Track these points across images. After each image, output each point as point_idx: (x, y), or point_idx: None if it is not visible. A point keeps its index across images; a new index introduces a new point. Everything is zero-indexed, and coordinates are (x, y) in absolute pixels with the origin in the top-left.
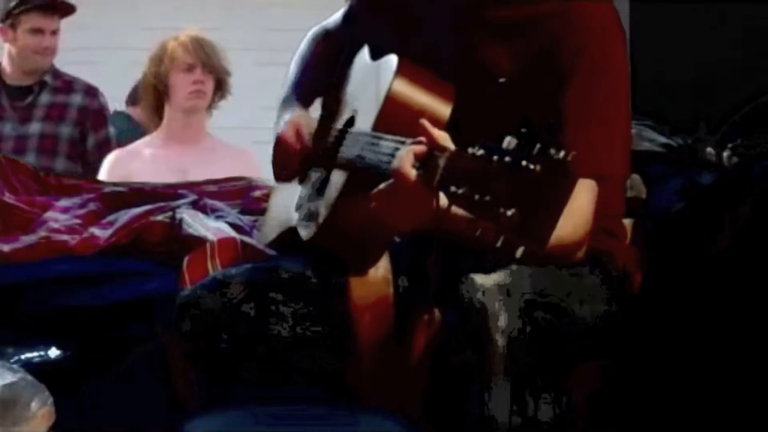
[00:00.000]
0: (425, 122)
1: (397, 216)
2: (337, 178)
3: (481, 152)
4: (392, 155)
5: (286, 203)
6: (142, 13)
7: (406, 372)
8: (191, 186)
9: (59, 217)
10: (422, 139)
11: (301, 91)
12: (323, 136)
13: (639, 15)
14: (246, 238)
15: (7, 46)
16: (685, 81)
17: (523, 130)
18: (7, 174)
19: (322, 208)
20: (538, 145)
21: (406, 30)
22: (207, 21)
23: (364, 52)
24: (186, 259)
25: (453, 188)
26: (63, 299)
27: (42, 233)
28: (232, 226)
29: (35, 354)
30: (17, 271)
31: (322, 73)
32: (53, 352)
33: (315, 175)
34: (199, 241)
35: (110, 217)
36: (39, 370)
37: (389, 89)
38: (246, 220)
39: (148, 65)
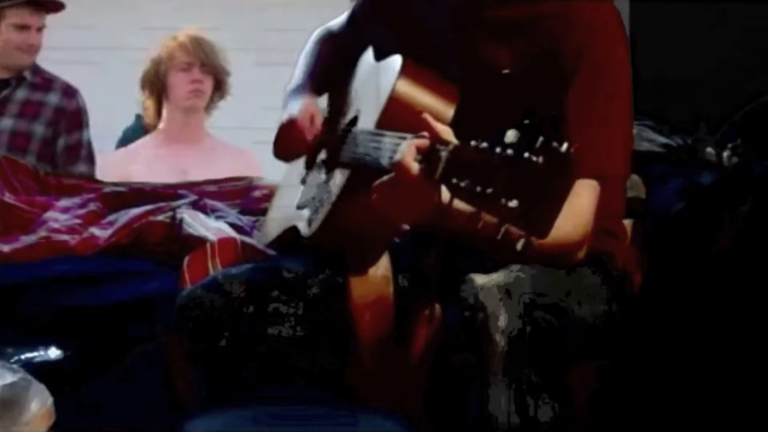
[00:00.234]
0: (428, 116)
1: (398, 209)
2: (339, 177)
3: (483, 145)
4: (394, 151)
5: (287, 203)
6: (142, 13)
7: (406, 371)
8: (191, 186)
9: (59, 217)
10: (425, 133)
11: (310, 83)
12: (327, 135)
13: (639, 15)
14: (246, 238)
15: None
16: (685, 81)
17: (526, 122)
18: (7, 174)
19: (323, 207)
20: (540, 138)
21: (409, 31)
22: (207, 21)
23: (369, 53)
24: (186, 259)
25: (455, 181)
26: (63, 299)
27: (42, 233)
28: (232, 226)
29: (35, 354)
30: (17, 271)
31: (327, 74)
32: (53, 352)
33: (316, 175)
34: (199, 241)
35: (110, 217)
36: (39, 370)
37: (393, 89)
38: (246, 220)
39: (147, 65)
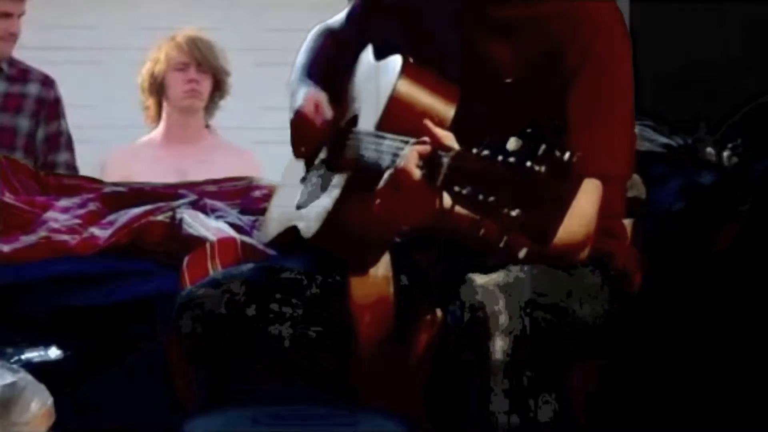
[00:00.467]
0: (428, 122)
1: (400, 213)
2: (339, 177)
3: (485, 152)
4: (395, 154)
5: (287, 203)
6: (143, 13)
7: (407, 372)
8: (191, 186)
9: (59, 217)
10: (426, 139)
11: (311, 74)
12: (327, 136)
13: (639, 15)
14: (246, 238)
15: None
16: (685, 81)
17: (528, 130)
18: (7, 174)
19: (324, 207)
20: (543, 146)
21: (410, 30)
22: (207, 21)
23: (368, 53)
24: (186, 259)
25: (457, 188)
26: (63, 299)
27: (42, 233)
28: (232, 226)
29: (35, 354)
30: (17, 271)
31: (326, 71)
32: (53, 352)
33: (317, 175)
34: (199, 241)
35: (110, 217)
36: (39, 370)
37: (393, 90)
38: (246, 220)
39: (146, 65)
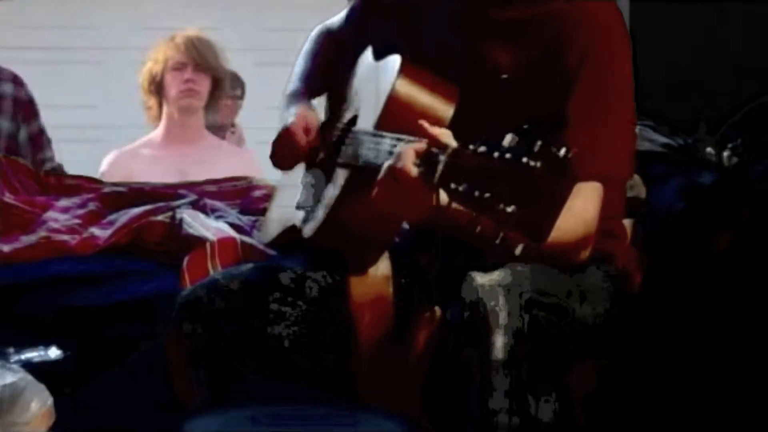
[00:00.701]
0: (425, 123)
1: (398, 210)
2: (338, 176)
3: (482, 149)
4: (393, 153)
5: (287, 203)
6: (143, 13)
7: (406, 371)
8: (191, 186)
9: (59, 217)
10: (423, 139)
11: (307, 86)
12: (326, 136)
13: (639, 15)
14: (246, 238)
15: None
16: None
17: (525, 127)
18: (7, 174)
19: (323, 207)
20: (539, 142)
21: (409, 30)
22: (207, 21)
23: (368, 53)
24: (186, 259)
25: (453, 185)
26: (63, 299)
27: (42, 233)
28: (232, 226)
29: (35, 354)
30: (17, 271)
31: (326, 72)
32: (53, 352)
33: (316, 175)
34: (199, 241)
35: (110, 217)
36: (39, 370)
37: (392, 89)
38: (246, 220)
39: (146, 65)
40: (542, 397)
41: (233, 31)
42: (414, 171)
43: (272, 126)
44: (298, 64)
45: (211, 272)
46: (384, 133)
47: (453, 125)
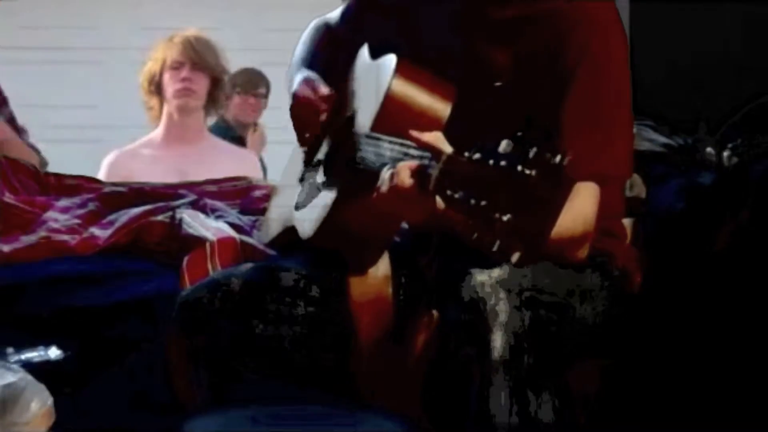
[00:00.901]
0: (414, 132)
1: (396, 212)
2: (337, 177)
3: (477, 156)
4: (393, 158)
5: (287, 203)
6: (143, 13)
7: (406, 371)
8: (191, 186)
9: (59, 217)
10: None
11: (309, 68)
12: (323, 136)
13: (639, 15)
14: (246, 238)
15: None
16: (685, 81)
17: (519, 134)
18: (7, 174)
19: (321, 208)
20: (534, 150)
21: (406, 29)
22: (207, 21)
23: (364, 51)
24: (186, 259)
25: (449, 192)
26: (63, 299)
27: (42, 233)
28: (232, 226)
29: (35, 354)
30: (17, 271)
31: (323, 64)
32: (53, 352)
33: (315, 175)
34: (199, 241)
35: (110, 217)
36: (39, 370)
37: (388, 89)
38: (246, 220)
39: (145, 66)
40: (542, 396)
41: (233, 31)
42: (409, 182)
43: (272, 126)
44: (297, 52)
45: (211, 272)
46: (382, 136)
47: (450, 126)
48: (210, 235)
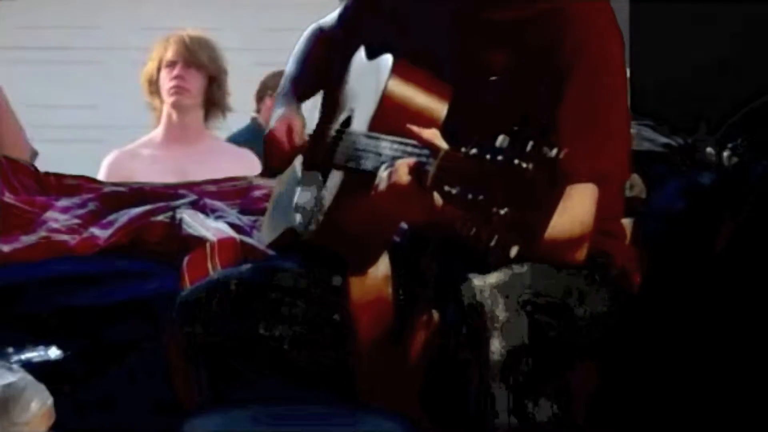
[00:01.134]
0: (412, 127)
1: (395, 211)
2: (335, 177)
3: (474, 151)
4: (391, 156)
5: (286, 203)
6: (143, 13)
7: (405, 372)
8: (191, 186)
9: (59, 217)
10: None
11: (298, 87)
12: (321, 136)
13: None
14: (246, 238)
15: None
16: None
17: (516, 128)
18: (7, 174)
19: (321, 207)
20: (530, 144)
21: (402, 30)
22: (207, 21)
23: (361, 52)
24: (186, 259)
25: (447, 188)
26: (63, 299)
27: (42, 233)
28: (232, 226)
29: (35, 354)
30: (17, 271)
31: (319, 71)
32: (53, 352)
33: (313, 175)
34: (199, 241)
35: (110, 217)
36: (39, 370)
37: (385, 89)
38: (246, 220)
39: (145, 67)
40: (541, 397)
41: (233, 31)
42: (406, 179)
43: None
44: (290, 65)
45: (211, 272)
46: (380, 135)
47: (446, 125)
48: (210, 236)
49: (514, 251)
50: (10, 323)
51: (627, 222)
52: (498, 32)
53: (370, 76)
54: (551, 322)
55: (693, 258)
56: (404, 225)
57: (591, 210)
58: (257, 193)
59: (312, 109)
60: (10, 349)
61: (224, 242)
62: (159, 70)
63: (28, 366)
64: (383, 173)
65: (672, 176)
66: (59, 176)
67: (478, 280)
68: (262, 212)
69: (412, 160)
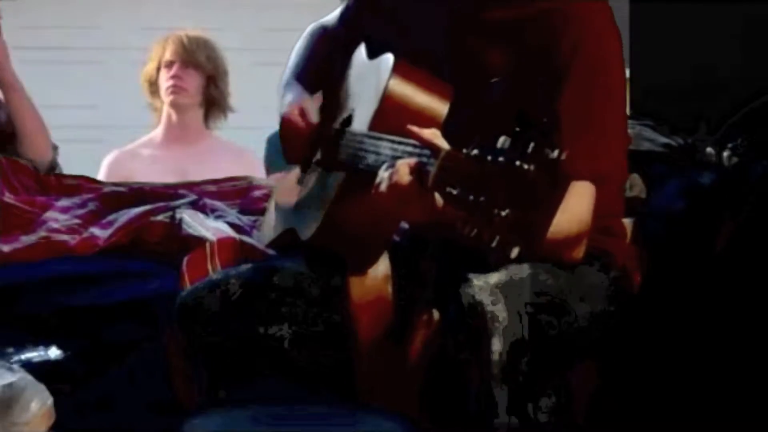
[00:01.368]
0: (413, 127)
1: (396, 211)
2: (335, 177)
3: (475, 152)
4: (392, 156)
5: (286, 203)
6: (143, 13)
7: (405, 371)
8: (191, 186)
9: (59, 217)
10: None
11: (300, 77)
12: (321, 136)
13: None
14: (246, 238)
15: None
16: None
17: (517, 129)
18: (7, 174)
19: (320, 208)
20: (532, 145)
21: (402, 30)
22: (207, 21)
23: (362, 52)
24: (186, 259)
25: (448, 188)
26: (63, 299)
27: (42, 233)
28: (232, 226)
29: (35, 354)
30: (17, 271)
31: (321, 69)
32: (53, 352)
33: (314, 175)
34: (199, 241)
35: (110, 217)
36: (39, 370)
37: (385, 88)
38: (246, 220)
39: (145, 66)
40: (541, 397)
41: (233, 31)
42: (407, 179)
43: (272, 126)
44: (292, 60)
45: (211, 272)
46: (380, 135)
47: (446, 125)
48: (210, 236)
49: (515, 252)
50: (10, 323)
51: (627, 222)
52: (497, 32)
53: (370, 76)
54: (551, 321)
55: (693, 258)
56: (404, 225)
57: (589, 208)
58: (257, 193)
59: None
60: (10, 349)
61: (224, 242)
62: (158, 70)
63: (28, 366)
64: (384, 173)
65: (672, 176)
66: (59, 176)
67: (478, 280)
68: (262, 212)
69: (413, 161)
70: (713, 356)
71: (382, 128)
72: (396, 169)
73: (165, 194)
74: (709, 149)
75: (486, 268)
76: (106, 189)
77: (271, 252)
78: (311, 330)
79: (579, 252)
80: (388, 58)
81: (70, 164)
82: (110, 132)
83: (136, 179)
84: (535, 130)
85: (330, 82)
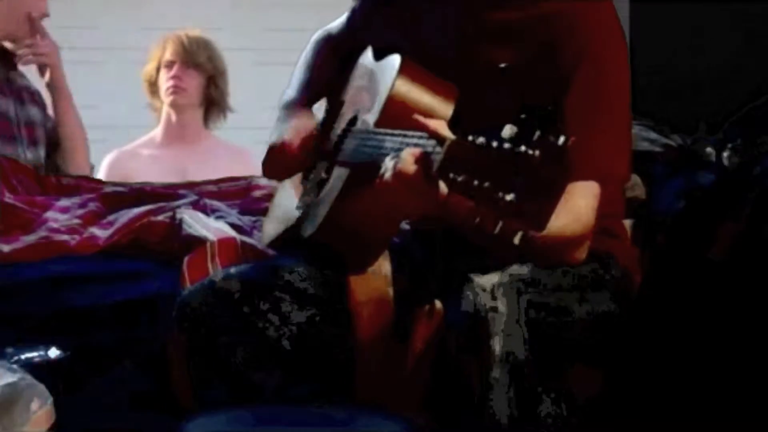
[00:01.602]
0: (419, 117)
1: (400, 204)
2: (338, 175)
3: (480, 140)
4: (395, 149)
5: (287, 203)
6: (143, 13)
7: (406, 371)
8: (191, 186)
9: (59, 217)
10: (423, 133)
11: (306, 95)
12: (326, 136)
13: (639, 15)
14: (246, 238)
15: None
16: (685, 81)
17: (523, 116)
18: (7, 174)
19: (323, 206)
20: (537, 132)
21: (408, 31)
22: (207, 21)
23: (368, 53)
24: (186, 259)
25: (452, 175)
26: (63, 299)
27: (42, 233)
28: (232, 226)
29: (35, 354)
30: (17, 271)
31: (326, 77)
32: (53, 352)
33: (316, 174)
34: (200, 241)
35: (110, 217)
36: (39, 370)
37: (391, 89)
38: (246, 220)
39: (145, 66)
40: (542, 397)
41: (233, 31)
42: (412, 168)
43: (272, 126)
44: (297, 72)
45: (211, 272)
46: (385, 131)
47: (451, 125)
48: (210, 236)
49: (518, 238)
50: (10, 323)
51: (627, 222)
52: (503, 33)
53: (376, 76)
54: (552, 321)
55: (693, 258)
56: (405, 226)
57: (592, 209)
58: (257, 193)
59: (317, 108)
60: (10, 349)
61: (225, 242)
62: (158, 70)
63: (28, 366)
64: (389, 163)
65: (672, 176)
66: (59, 176)
67: (480, 280)
68: (262, 212)
69: (417, 150)
70: (713, 356)
71: (387, 127)
72: (401, 158)
73: (165, 194)
74: (709, 149)
75: (488, 269)
76: (107, 189)
77: (271, 252)
78: (311, 330)
79: (582, 253)
80: (395, 59)
81: None
82: (110, 132)
83: (136, 179)
84: (540, 117)
85: (335, 86)
